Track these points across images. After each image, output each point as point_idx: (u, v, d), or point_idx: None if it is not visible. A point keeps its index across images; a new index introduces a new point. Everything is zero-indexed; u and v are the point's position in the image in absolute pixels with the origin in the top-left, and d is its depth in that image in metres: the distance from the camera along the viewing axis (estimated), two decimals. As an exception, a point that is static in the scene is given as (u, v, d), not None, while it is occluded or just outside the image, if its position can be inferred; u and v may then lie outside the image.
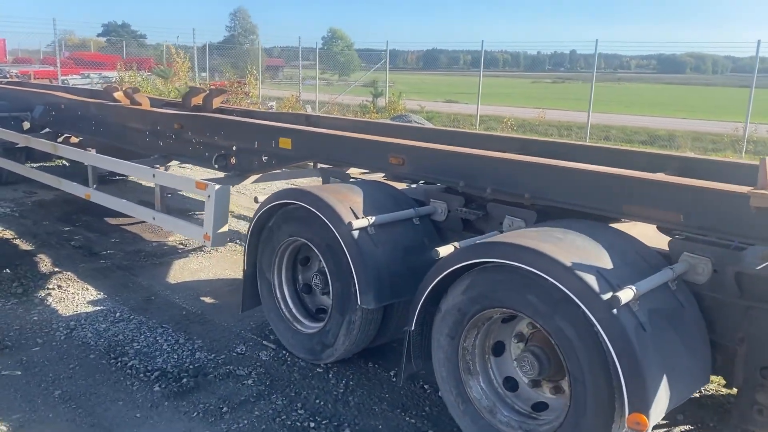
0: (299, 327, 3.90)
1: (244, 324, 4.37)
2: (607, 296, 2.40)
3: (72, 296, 4.76)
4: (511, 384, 3.04)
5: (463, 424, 3.03)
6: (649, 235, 3.03)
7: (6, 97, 8.79)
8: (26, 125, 8.33)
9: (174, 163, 6.54)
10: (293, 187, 3.84)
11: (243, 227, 6.70)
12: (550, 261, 2.54)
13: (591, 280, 2.46)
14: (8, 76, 12.65)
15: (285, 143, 4.94)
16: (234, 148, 5.40)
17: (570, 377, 2.60)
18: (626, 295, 2.35)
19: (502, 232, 3.31)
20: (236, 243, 6.19)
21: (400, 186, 4.11)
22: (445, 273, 2.92)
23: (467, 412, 3.00)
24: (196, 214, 7.02)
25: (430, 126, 7.92)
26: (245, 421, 3.21)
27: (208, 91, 7.59)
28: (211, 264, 5.67)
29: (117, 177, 9.05)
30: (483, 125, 19.32)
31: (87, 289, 4.93)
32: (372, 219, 3.42)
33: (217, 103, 7.46)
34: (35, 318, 4.36)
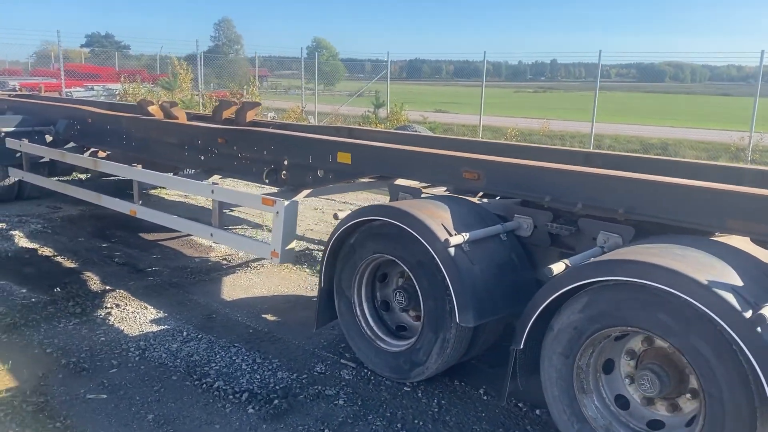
0: (382, 345, 3.86)
1: (315, 342, 4.32)
2: (748, 314, 2.39)
3: (133, 315, 4.68)
4: (621, 402, 3.02)
5: (579, 443, 3.00)
6: (746, 248, 3.03)
7: (26, 111, 8.70)
8: (48, 139, 8.24)
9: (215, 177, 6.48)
10: (378, 203, 3.80)
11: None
12: (686, 279, 2.52)
13: (730, 297, 2.45)
14: (16, 89, 12.46)
15: (344, 158, 4.91)
16: (285, 162, 5.36)
17: (705, 396, 2.58)
18: (768, 312, 2.33)
19: (603, 248, 3.29)
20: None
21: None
22: (562, 291, 2.90)
23: (582, 431, 2.97)
24: (231, 230, 6.96)
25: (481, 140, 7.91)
26: (348, 443, 3.16)
27: (240, 104, 7.55)
28: (261, 280, 5.60)
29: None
30: (485, 136, 19.37)
31: (146, 307, 4.84)
32: (467, 235, 3.39)
33: (251, 116, 7.44)
34: (102, 338, 4.27)
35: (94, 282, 5.39)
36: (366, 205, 4.09)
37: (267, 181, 5.57)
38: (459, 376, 3.82)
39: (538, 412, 3.45)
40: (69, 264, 5.90)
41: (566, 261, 3.02)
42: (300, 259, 6.16)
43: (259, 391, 3.60)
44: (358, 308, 3.97)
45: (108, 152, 7.95)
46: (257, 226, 7.32)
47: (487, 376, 3.84)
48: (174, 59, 18.83)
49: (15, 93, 11.68)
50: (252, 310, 4.90)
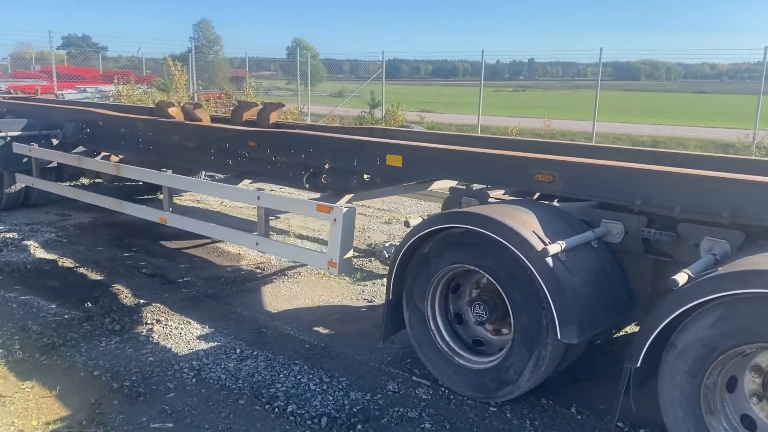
0: (461, 361, 3.59)
1: (377, 357, 4.05)
2: None
3: (177, 331, 4.37)
4: (747, 422, 2.79)
5: (706, 469, 2.77)
6: None
7: (29, 114, 8.32)
8: (54, 143, 7.87)
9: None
10: (458, 210, 3.54)
11: (310, 246, 6.32)
12: None
13: None
14: (12, 91, 12.01)
15: (394, 160, 4.65)
16: (326, 166, 5.09)
17: None
18: None
19: (715, 256, 3.06)
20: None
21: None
22: (692, 304, 2.66)
23: (710, 455, 2.74)
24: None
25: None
26: (448, 473, 2.90)
27: (262, 105, 7.26)
28: (302, 290, 5.31)
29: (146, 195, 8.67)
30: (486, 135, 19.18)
31: (189, 322, 4.54)
32: (563, 244, 3.14)
33: (274, 117, 7.15)
34: (150, 358, 3.96)
35: (126, 295, 5.07)
36: (438, 212, 3.82)
37: (307, 186, 5.29)
38: (543, 393, 3.56)
39: (642, 432, 3.21)
40: (94, 276, 5.56)
41: (687, 271, 2.78)
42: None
43: (338, 415, 3.32)
44: (432, 322, 3.71)
45: (121, 156, 7.63)
46: (283, 231, 7.02)
47: (574, 393, 3.60)
48: (169, 60, 18.39)
49: (13, 96, 11.24)
50: (301, 322, 4.61)
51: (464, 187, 4.30)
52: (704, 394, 2.74)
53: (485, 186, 4.34)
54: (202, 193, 7.28)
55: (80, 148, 7.83)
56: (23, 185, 7.90)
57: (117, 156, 7.68)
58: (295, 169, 5.30)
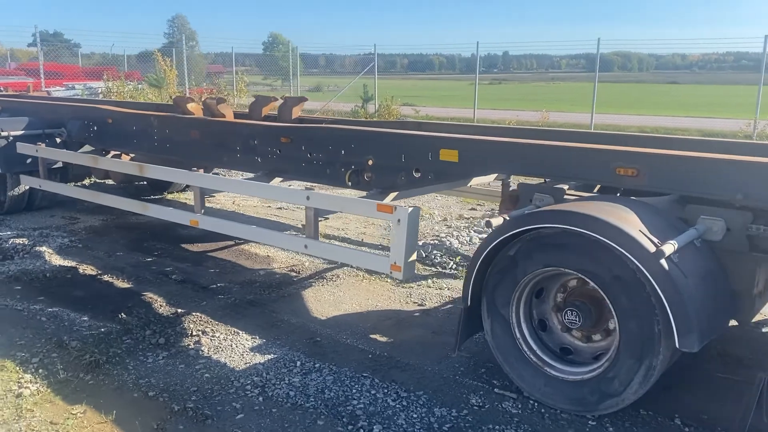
0: (554, 372, 3.33)
1: (448, 367, 3.78)
2: None
3: (227, 343, 4.06)
4: None
5: None
6: None
7: (28, 112, 7.90)
8: (58, 141, 7.48)
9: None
10: (550, 209, 3.27)
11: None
12: None
13: None
14: (2, 89, 11.50)
15: (449, 155, 4.38)
16: (370, 162, 4.80)
17: None
18: None
19: None
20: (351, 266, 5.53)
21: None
22: None
23: None
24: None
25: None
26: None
27: (283, 100, 6.92)
28: (346, 293, 5.02)
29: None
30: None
31: (236, 332, 4.23)
32: (675, 244, 2.89)
33: (297, 112, 6.81)
34: (206, 375, 3.65)
35: (160, 304, 4.74)
36: (524, 210, 3.55)
37: (350, 184, 5.00)
38: (640, 404, 3.29)
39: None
40: (122, 284, 5.21)
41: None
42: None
43: (430, 436, 3.05)
44: (517, 329, 3.44)
45: (132, 155, 7.27)
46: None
47: (671, 401, 3.36)
48: (159, 56, 17.86)
49: (6, 93, 10.75)
50: (355, 330, 4.33)
51: (534, 183, 4.03)
52: None
53: (550, 181, 4.09)
54: (238, 193, 6.93)
55: (86, 147, 7.46)
56: (27, 187, 7.51)
57: (128, 155, 7.32)
58: (334, 166, 5.01)
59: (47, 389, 3.46)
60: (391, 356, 3.93)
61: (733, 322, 3.40)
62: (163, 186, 8.55)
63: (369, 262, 4.20)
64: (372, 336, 4.24)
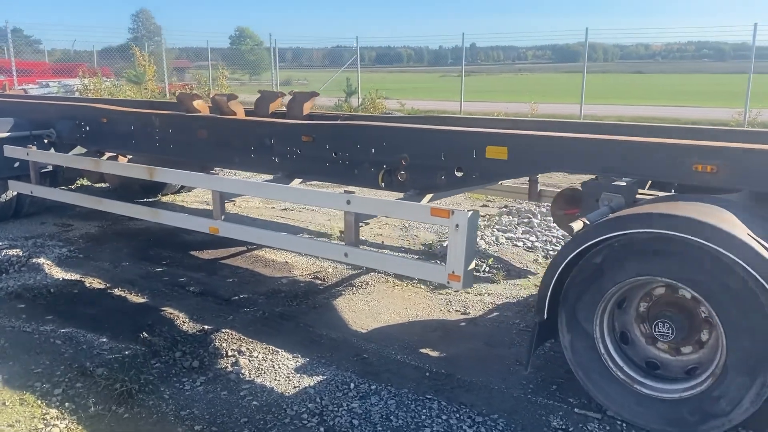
0: (645, 390, 3.05)
1: (516, 384, 3.48)
2: None
3: (267, 363, 3.70)
4: None
5: None
6: None
7: (10, 112, 7.36)
8: (46, 143, 7.00)
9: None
10: (645, 211, 2.97)
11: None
12: None
13: None
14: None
15: (497, 153, 4.07)
16: (404, 161, 4.46)
17: None
18: None
19: None
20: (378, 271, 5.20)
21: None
22: None
23: None
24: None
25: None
26: None
27: (292, 95, 6.53)
28: (379, 302, 4.68)
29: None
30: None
31: (275, 351, 3.86)
32: (790, 250, 2.62)
33: (308, 108, 6.44)
34: (254, 403, 3.29)
35: (183, 321, 4.34)
36: (603, 212, 3.25)
37: (383, 185, 4.65)
38: (736, 421, 3.05)
39: None
40: (135, 298, 4.80)
41: None
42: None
43: (521, 468, 2.74)
44: (601, 344, 3.15)
45: (129, 157, 6.83)
46: (324, 234, 6.35)
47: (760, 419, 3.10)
48: (137, 51, 17.19)
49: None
50: (402, 344, 4.00)
51: (601, 181, 3.71)
52: None
53: (601, 177, 3.79)
54: (264, 197, 6.47)
55: (78, 149, 6.99)
56: (14, 193, 7.01)
57: (125, 157, 6.87)
58: (363, 165, 4.66)
59: (78, 426, 3.07)
60: (450, 373, 3.61)
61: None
62: (156, 188, 8.10)
63: (422, 271, 3.86)
64: (422, 350, 3.91)
